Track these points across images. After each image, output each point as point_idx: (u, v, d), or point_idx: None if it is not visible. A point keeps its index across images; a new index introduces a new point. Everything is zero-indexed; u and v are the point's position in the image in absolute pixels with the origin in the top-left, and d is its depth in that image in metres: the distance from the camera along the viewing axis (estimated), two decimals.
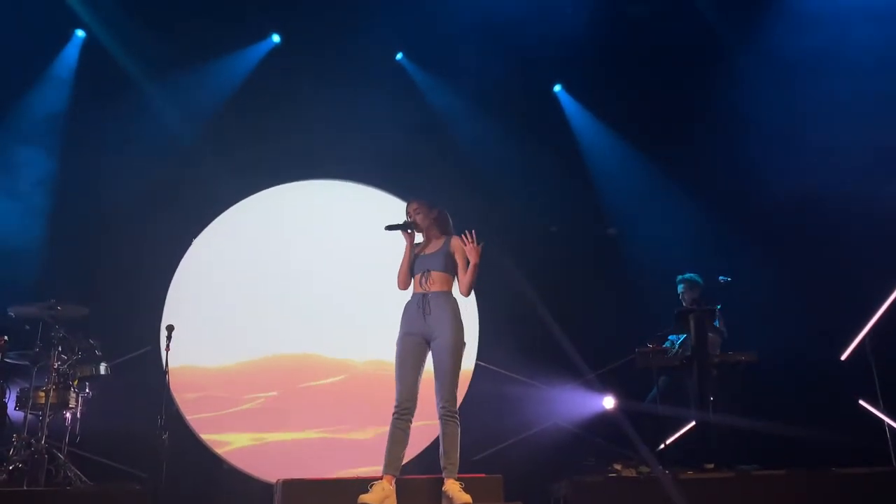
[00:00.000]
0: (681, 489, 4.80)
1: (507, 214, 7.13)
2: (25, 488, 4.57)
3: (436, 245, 4.40)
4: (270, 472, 6.00)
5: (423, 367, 4.23)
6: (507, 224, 7.11)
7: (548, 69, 7.42)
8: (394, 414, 4.15)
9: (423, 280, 4.28)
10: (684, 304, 6.13)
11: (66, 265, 5.92)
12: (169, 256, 6.49)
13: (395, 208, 6.98)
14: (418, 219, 4.40)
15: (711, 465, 5.34)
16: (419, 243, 4.45)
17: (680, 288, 6.24)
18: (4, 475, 4.65)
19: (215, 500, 5.94)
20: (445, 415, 4.16)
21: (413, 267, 4.35)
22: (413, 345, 4.22)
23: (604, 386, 6.74)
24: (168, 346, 5.22)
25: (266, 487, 5.77)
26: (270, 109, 6.90)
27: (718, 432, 5.52)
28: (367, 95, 6.99)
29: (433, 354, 4.22)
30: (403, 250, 4.37)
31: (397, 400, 4.15)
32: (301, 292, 6.68)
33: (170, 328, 5.27)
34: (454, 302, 4.31)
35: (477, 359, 6.97)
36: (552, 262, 7.12)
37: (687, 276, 6.27)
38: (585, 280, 6.96)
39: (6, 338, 5.09)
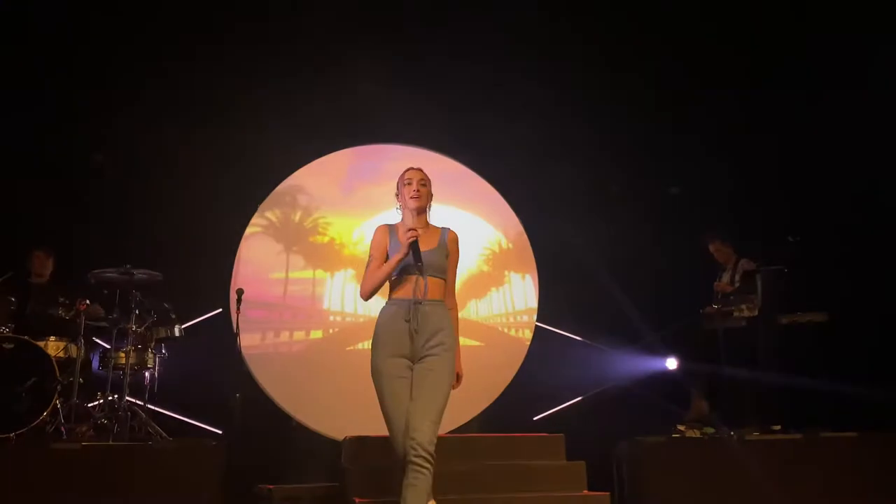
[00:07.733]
0: (746, 450, 4.76)
1: (566, 173, 7.01)
2: (111, 443, 4.80)
3: (431, 238, 3.47)
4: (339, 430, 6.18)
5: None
6: (566, 183, 7.02)
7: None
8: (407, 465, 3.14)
9: (418, 285, 3.33)
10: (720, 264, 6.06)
11: (140, 232, 6.12)
12: (237, 221, 6.63)
13: (458, 173, 7.01)
14: (423, 192, 3.50)
15: (778, 427, 5.26)
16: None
17: (711, 248, 6.09)
18: (91, 430, 4.91)
19: (285, 456, 6.16)
20: (419, 458, 3.11)
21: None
22: (402, 370, 3.30)
23: (667, 347, 6.67)
24: (238, 308, 5.40)
25: (334, 444, 5.97)
26: (330, 73, 6.91)
27: (786, 393, 5.42)
28: (424, 53, 6.94)
29: (417, 379, 3.28)
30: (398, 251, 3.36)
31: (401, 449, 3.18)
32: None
33: (240, 292, 5.45)
34: (449, 315, 3.43)
35: (536, 320, 6.97)
36: (612, 221, 7.01)
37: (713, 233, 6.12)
38: (647, 239, 6.83)
39: (88, 301, 5.29)
